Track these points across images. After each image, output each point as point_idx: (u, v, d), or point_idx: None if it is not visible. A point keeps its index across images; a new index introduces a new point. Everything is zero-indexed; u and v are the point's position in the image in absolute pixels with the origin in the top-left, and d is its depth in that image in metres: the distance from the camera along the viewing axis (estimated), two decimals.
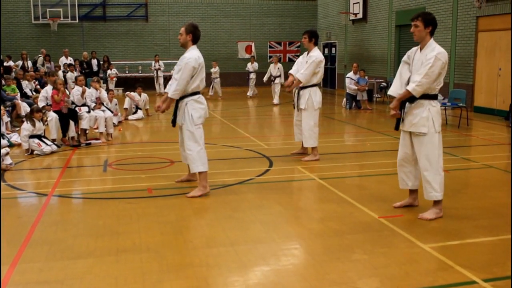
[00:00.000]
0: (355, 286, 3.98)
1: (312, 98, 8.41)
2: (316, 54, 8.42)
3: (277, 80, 19.03)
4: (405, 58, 5.72)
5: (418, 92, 5.32)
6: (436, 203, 5.61)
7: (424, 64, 5.32)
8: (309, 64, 8.35)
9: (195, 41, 6.52)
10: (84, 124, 10.49)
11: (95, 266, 4.35)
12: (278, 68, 19.32)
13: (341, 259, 4.48)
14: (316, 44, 8.54)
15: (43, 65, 20.18)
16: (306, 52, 8.63)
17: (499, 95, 14.34)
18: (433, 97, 5.46)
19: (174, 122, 6.65)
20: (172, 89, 6.43)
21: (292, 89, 8.65)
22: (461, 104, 12.95)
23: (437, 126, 5.45)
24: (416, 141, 5.52)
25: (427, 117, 5.40)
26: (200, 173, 6.53)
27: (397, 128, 5.69)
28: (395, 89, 5.61)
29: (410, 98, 5.45)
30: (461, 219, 5.59)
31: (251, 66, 21.82)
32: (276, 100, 18.61)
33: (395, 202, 6.11)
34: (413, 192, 5.93)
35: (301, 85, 8.44)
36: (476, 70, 15.29)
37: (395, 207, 5.92)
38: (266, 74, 19.63)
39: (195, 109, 6.44)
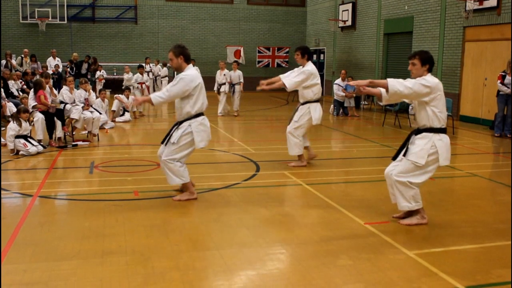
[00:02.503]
0: None
1: (312, 113, 8.35)
2: (309, 68, 8.30)
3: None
4: None
5: (391, 87, 5.25)
6: (416, 211, 5.64)
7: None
8: (299, 73, 8.25)
9: (187, 60, 6.37)
10: (74, 114, 10.52)
11: (79, 268, 4.33)
12: (225, 74, 16.30)
13: (326, 265, 4.50)
14: (309, 59, 8.42)
15: (21, 65, 19.90)
16: (300, 67, 8.45)
17: (484, 104, 14.49)
18: (438, 130, 5.45)
19: (163, 141, 6.50)
20: (157, 94, 6.28)
21: (269, 86, 8.26)
22: (447, 113, 13.06)
23: (442, 159, 5.44)
24: None
25: (427, 149, 5.40)
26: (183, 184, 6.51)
27: (394, 158, 5.72)
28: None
29: (416, 131, 5.56)
30: (446, 226, 5.64)
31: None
32: (221, 110, 16.18)
33: (381, 209, 6.17)
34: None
35: (301, 100, 8.43)
36: (462, 80, 15.43)
37: (393, 217, 5.88)
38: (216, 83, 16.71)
39: (198, 132, 6.36)
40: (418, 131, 5.54)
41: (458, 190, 7.63)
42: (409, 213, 5.76)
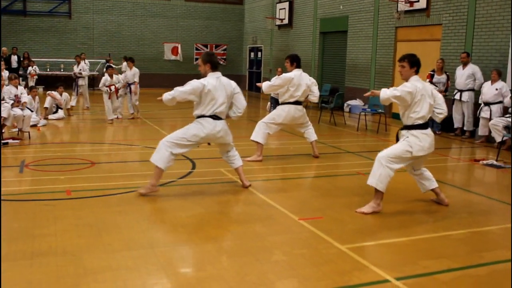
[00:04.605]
0: (273, 287, 4.05)
1: (277, 112, 9.02)
2: (291, 73, 8.87)
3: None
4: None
5: (383, 93, 6.00)
6: (376, 196, 6.04)
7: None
8: (277, 78, 8.97)
9: (214, 67, 6.61)
10: (3, 112, 10.13)
11: (7, 271, 4.18)
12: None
13: (260, 261, 4.55)
14: (298, 66, 8.98)
15: None
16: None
17: None
18: (412, 127, 6.02)
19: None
20: (168, 92, 6.52)
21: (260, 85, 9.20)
22: (380, 110, 13.46)
23: (416, 150, 5.96)
24: None
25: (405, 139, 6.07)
26: (156, 167, 6.56)
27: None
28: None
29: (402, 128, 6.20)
30: (376, 220, 5.82)
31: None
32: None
33: (315, 204, 6.30)
34: (435, 191, 6.50)
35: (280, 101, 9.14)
36: (395, 78, 15.90)
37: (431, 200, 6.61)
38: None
39: (195, 126, 6.64)
40: (402, 128, 6.19)
41: (390, 185, 7.84)
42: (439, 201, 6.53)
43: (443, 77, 12.75)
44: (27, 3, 24.45)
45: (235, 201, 6.68)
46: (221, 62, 26.83)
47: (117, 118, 14.28)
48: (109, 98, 13.87)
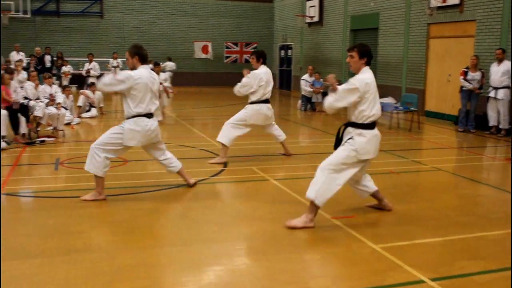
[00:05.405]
0: (306, 286, 4.03)
1: (248, 113, 8.46)
2: (259, 71, 8.44)
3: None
4: None
5: (326, 105, 5.47)
6: (310, 211, 5.38)
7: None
8: (246, 77, 8.44)
9: (143, 60, 6.21)
10: (38, 112, 10.30)
11: (44, 266, 4.26)
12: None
13: (293, 259, 4.53)
14: (264, 63, 8.53)
15: None
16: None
17: (448, 100, 14.75)
18: (361, 126, 5.36)
19: None
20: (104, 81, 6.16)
21: None
22: (412, 108, 13.27)
23: (362, 153, 5.30)
24: None
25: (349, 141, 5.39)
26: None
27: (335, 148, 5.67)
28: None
29: (346, 124, 5.54)
30: (411, 220, 5.73)
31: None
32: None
33: (348, 203, 6.23)
34: (375, 196, 5.90)
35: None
36: (427, 76, 15.68)
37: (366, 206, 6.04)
38: None
39: (130, 130, 6.15)
40: (347, 124, 5.52)
41: (423, 184, 7.76)
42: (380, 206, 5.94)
43: (477, 75, 12.49)
44: (60, 3, 24.86)
45: (266, 199, 6.65)
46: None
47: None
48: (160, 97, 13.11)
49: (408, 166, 8.64)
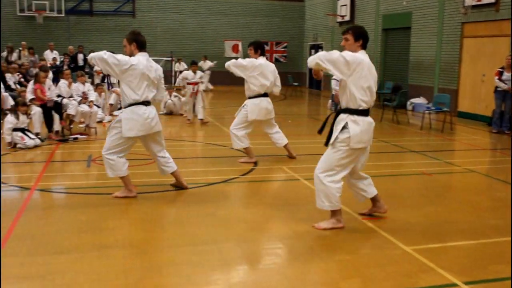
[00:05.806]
0: (337, 287, 4.00)
1: (248, 108, 8.26)
2: (258, 61, 8.18)
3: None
4: None
5: (309, 61, 5.14)
6: (333, 213, 5.30)
7: None
8: (244, 59, 8.26)
9: (141, 47, 6.30)
10: (71, 110, 10.47)
11: (77, 262, 4.32)
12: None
13: (324, 259, 4.50)
14: (262, 55, 8.30)
15: (19, 58, 19.83)
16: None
17: (482, 100, 14.49)
18: (355, 112, 5.13)
19: None
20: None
21: None
22: (445, 109, 13.08)
23: (355, 141, 5.06)
24: None
25: (341, 130, 5.14)
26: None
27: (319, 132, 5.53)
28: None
29: (337, 112, 5.31)
30: (443, 222, 5.64)
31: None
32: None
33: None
34: (373, 198, 5.70)
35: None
36: (460, 76, 15.43)
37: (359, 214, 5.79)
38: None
39: (127, 120, 6.01)
40: (338, 112, 5.30)
41: (456, 186, 7.64)
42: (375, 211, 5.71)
43: None
44: (94, 3, 25.23)
45: (296, 199, 6.62)
46: (282, 60, 26.83)
47: (188, 120, 13.32)
48: (190, 96, 13.12)
49: (441, 167, 8.52)
